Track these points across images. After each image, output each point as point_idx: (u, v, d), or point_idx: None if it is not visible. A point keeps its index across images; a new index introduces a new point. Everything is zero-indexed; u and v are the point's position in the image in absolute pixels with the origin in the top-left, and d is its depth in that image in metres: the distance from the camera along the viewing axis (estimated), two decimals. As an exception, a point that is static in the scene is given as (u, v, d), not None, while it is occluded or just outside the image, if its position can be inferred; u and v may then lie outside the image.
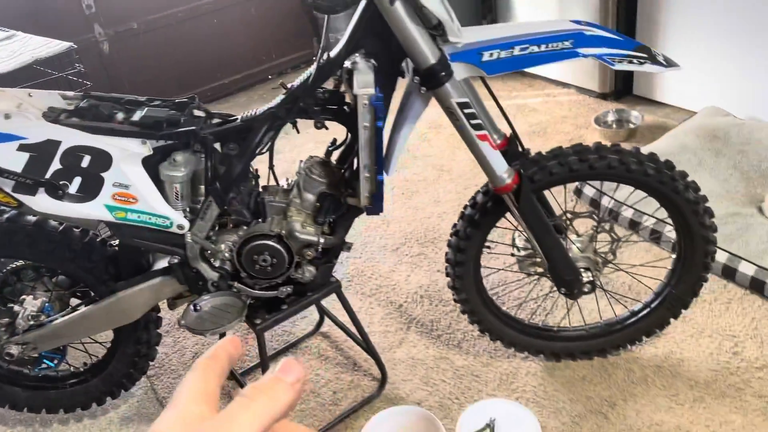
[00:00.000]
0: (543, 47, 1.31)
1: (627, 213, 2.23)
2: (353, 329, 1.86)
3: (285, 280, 1.58)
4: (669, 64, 1.35)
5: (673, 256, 1.69)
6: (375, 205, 1.44)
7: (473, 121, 1.36)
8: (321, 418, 1.80)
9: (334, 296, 1.70)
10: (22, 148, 1.33)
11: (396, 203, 2.71)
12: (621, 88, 3.13)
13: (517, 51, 1.31)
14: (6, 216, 1.52)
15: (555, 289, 1.69)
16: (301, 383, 0.39)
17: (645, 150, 2.50)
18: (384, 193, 1.43)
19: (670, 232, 2.09)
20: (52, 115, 1.39)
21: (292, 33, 4.32)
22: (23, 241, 1.52)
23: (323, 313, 2.06)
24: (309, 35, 4.41)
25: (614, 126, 2.90)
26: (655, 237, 2.16)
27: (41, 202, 1.35)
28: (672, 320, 1.75)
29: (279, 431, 0.41)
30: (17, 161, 1.33)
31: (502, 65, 1.33)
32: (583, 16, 2.95)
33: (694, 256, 1.61)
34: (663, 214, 1.70)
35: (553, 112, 3.18)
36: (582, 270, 1.61)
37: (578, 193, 2.43)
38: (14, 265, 1.67)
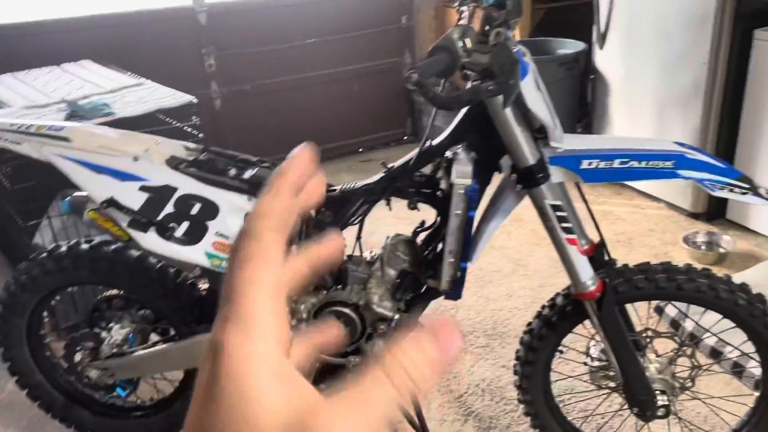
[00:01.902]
0: (643, 163, 1.33)
1: (709, 340, 2.14)
2: (411, 412, 1.84)
3: (354, 351, 1.61)
4: (772, 197, 1.34)
5: (757, 394, 1.60)
6: (455, 291, 1.47)
7: (564, 224, 1.38)
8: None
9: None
10: (142, 188, 1.46)
11: (467, 290, 2.68)
12: (714, 210, 3.06)
13: (616, 164, 1.34)
14: (113, 247, 1.65)
15: (626, 406, 1.63)
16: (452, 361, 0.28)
17: (736, 278, 2.43)
18: (465, 281, 1.45)
19: (754, 368, 1.98)
20: (174, 163, 1.52)
21: (387, 112, 4.52)
22: (124, 273, 1.63)
23: (383, 389, 2.06)
24: (403, 116, 4.60)
25: (703, 248, 2.83)
26: (738, 371, 2.05)
27: (150, 240, 1.46)
28: (749, 463, 1.64)
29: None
30: (136, 200, 1.45)
31: (599, 175, 1.36)
32: (682, 133, 2.95)
33: (781, 398, 1.53)
34: (749, 347, 1.63)
35: (639, 223, 3.14)
36: (657, 392, 1.55)
37: (659, 311, 2.36)
38: (108, 294, 1.79)
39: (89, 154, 1.45)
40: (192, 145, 1.61)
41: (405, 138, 4.64)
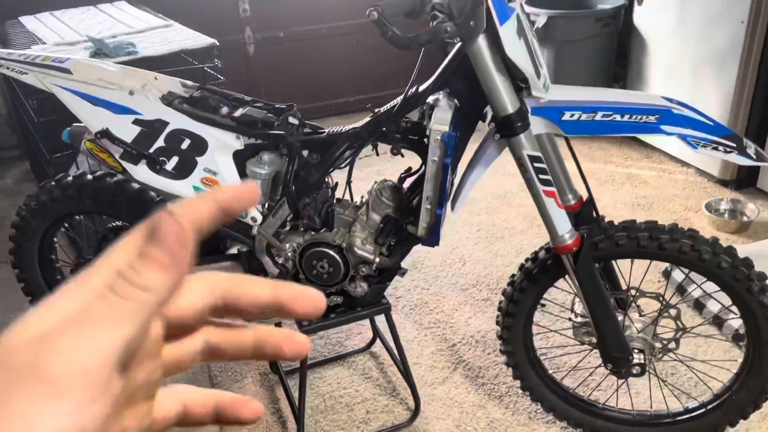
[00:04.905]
0: (626, 117, 1.30)
1: (695, 293, 2.10)
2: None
3: (338, 291, 1.66)
4: (759, 158, 1.29)
5: (740, 360, 1.58)
6: (431, 238, 1.48)
7: (542, 176, 1.37)
8: (348, 432, 1.84)
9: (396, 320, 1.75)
10: (136, 122, 1.51)
11: (478, 245, 2.71)
12: (744, 178, 2.94)
13: (599, 116, 1.31)
14: (115, 179, 1.72)
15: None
16: (187, 256, 0.26)
17: (749, 246, 2.36)
18: (441, 228, 1.47)
19: (733, 320, 1.97)
20: (169, 99, 1.57)
21: (422, 63, 4.46)
22: (124, 204, 1.71)
23: (376, 333, 2.11)
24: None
25: (726, 215, 2.73)
26: (718, 322, 2.03)
27: (140, 172, 1.52)
28: (728, 428, 1.62)
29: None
30: (129, 133, 1.51)
31: (580, 127, 1.33)
32: (716, 94, 2.82)
33: (762, 366, 1.50)
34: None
35: (664, 188, 3.05)
36: (635, 350, 1.54)
37: (666, 275, 2.32)
38: (115, 224, 1.88)
39: (88, 86, 1.51)
40: (189, 83, 1.65)
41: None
